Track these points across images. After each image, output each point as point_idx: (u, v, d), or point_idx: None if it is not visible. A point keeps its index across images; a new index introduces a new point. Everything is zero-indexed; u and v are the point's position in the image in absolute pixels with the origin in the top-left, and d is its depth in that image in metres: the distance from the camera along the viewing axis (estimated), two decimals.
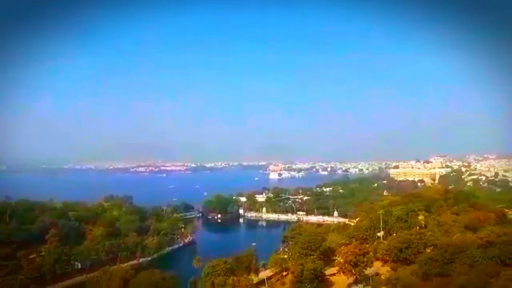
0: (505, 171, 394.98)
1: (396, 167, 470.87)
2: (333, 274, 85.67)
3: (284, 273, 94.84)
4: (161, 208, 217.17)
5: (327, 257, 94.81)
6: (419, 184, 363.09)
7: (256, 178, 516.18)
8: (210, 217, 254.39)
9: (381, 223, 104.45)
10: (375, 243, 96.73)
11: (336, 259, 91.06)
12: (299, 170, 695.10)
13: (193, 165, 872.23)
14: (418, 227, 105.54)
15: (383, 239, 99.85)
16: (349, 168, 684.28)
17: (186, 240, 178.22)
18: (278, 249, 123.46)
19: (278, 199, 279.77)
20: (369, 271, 77.35)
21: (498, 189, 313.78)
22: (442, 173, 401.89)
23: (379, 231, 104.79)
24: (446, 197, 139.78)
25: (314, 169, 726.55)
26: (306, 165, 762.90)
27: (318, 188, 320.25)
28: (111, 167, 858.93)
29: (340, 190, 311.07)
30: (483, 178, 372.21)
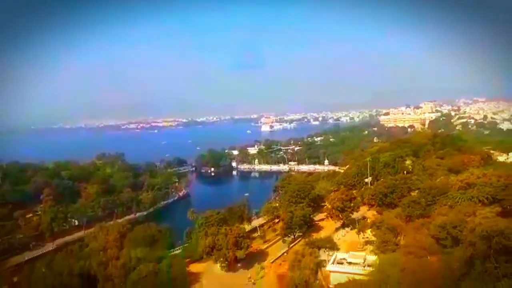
0: (494, 113, 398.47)
1: (387, 113, 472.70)
2: (322, 220, 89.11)
3: (276, 221, 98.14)
4: (154, 164, 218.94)
5: (316, 204, 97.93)
6: (409, 129, 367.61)
7: (248, 131, 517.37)
8: (204, 171, 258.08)
9: (369, 170, 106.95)
10: (362, 189, 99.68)
11: (325, 205, 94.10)
12: (291, 122, 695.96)
13: (184, 120, 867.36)
14: (405, 172, 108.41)
15: (371, 184, 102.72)
16: (340, 117, 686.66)
17: (181, 194, 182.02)
18: (270, 198, 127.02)
19: (270, 150, 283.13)
20: (356, 215, 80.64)
21: (486, 132, 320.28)
22: (431, 118, 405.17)
23: (367, 177, 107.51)
24: (433, 142, 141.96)
25: (305, 120, 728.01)
26: (297, 116, 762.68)
27: (309, 138, 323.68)
28: (102, 125, 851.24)
29: (331, 139, 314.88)
30: (472, 121, 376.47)
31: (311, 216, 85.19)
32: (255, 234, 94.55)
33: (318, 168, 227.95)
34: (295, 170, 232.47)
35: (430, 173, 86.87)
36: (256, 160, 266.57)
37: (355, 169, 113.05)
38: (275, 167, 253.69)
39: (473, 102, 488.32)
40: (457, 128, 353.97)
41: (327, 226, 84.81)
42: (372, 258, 54.66)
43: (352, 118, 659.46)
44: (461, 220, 48.14)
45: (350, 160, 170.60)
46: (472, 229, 39.79)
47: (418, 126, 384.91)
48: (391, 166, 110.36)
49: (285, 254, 72.91)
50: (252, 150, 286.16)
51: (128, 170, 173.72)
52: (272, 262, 71.26)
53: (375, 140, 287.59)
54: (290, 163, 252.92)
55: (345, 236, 74.77)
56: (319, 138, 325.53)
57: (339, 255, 58.63)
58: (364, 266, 52.78)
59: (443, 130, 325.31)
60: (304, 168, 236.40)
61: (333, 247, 66.43)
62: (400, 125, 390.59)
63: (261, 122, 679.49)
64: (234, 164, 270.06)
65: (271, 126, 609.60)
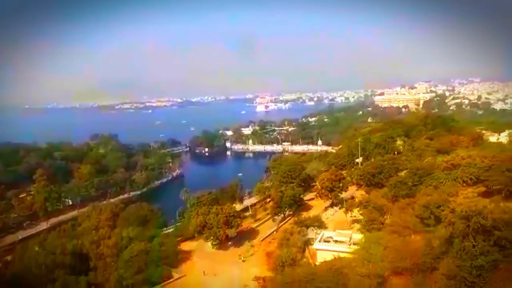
0: (488, 93, 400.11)
1: (381, 94, 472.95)
2: (312, 199, 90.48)
3: (267, 200, 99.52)
4: (148, 144, 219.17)
5: (307, 183, 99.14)
6: (403, 110, 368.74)
7: (243, 112, 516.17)
8: (198, 151, 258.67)
9: (359, 150, 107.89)
10: (352, 169, 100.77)
11: (316, 185, 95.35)
12: (286, 102, 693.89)
13: (178, 100, 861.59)
14: (396, 153, 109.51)
15: (361, 165, 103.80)
16: (335, 97, 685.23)
17: (174, 174, 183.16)
18: (262, 178, 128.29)
19: (264, 131, 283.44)
20: (345, 195, 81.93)
21: (480, 112, 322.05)
22: (426, 98, 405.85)
23: (358, 158, 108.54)
24: (425, 123, 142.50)
25: (301, 100, 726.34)
26: (292, 96, 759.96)
27: (303, 119, 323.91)
28: (96, 105, 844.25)
29: (325, 120, 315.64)
30: (466, 101, 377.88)
31: (301, 195, 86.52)
32: (247, 213, 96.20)
33: (312, 148, 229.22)
34: (289, 150, 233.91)
35: (419, 153, 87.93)
36: (250, 141, 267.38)
37: (345, 150, 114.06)
38: (269, 148, 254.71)
39: (468, 83, 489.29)
40: (451, 108, 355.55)
41: (317, 206, 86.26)
42: (358, 236, 55.93)
43: (347, 99, 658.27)
44: (444, 200, 49.21)
45: (343, 140, 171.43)
46: (452, 209, 40.77)
47: (412, 106, 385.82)
48: (382, 147, 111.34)
49: (275, 232, 74.33)
50: (246, 131, 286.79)
51: (122, 151, 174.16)
52: (262, 240, 72.71)
53: (369, 120, 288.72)
54: (284, 143, 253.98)
55: (333, 215, 76.17)
56: (313, 119, 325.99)
57: (326, 233, 59.94)
58: (349, 244, 54.09)
59: (437, 110, 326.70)
60: (298, 148, 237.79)
61: (321, 225, 67.90)
62: (395, 105, 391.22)
63: (256, 103, 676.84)
64: (228, 144, 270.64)
65: (266, 107, 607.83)
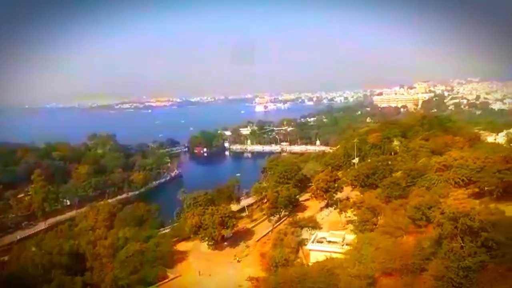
0: (487, 93, 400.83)
1: (380, 94, 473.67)
2: (307, 200, 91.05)
3: (264, 201, 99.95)
4: (146, 144, 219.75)
5: (303, 184, 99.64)
6: (402, 110, 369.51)
7: (242, 112, 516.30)
8: (196, 152, 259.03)
9: (355, 151, 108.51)
10: (348, 170, 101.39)
11: (312, 186, 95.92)
12: (285, 102, 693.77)
13: (178, 100, 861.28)
14: (393, 153, 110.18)
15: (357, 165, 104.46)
16: (334, 97, 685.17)
17: (173, 174, 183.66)
18: (260, 178, 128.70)
19: (263, 131, 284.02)
20: (340, 196, 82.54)
21: (478, 112, 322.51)
22: (425, 98, 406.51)
23: (354, 158, 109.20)
24: (422, 123, 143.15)
25: (300, 100, 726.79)
26: (292, 96, 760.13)
27: (302, 119, 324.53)
28: (95, 105, 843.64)
29: (324, 120, 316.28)
30: (465, 101, 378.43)
31: (297, 196, 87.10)
32: (243, 214, 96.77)
33: (310, 148, 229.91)
34: (287, 150, 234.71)
35: (413, 154, 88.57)
36: (249, 141, 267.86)
37: (341, 150, 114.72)
38: (267, 148, 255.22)
39: (467, 83, 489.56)
40: (449, 108, 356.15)
41: (313, 206, 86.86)
42: (351, 237, 56.52)
43: (346, 98, 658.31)
44: (435, 201, 49.80)
45: (341, 140, 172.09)
46: (441, 210, 41.33)
47: (411, 106, 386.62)
48: (378, 147, 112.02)
49: (270, 233, 74.82)
50: (245, 131, 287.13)
51: (120, 151, 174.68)
52: (257, 241, 73.26)
53: (368, 120, 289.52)
54: (282, 143, 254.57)
55: (328, 216, 76.84)
56: (312, 119, 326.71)
57: (320, 234, 60.51)
58: (342, 245, 54.65)
59: (435, 110, 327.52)
60: (296, 148, 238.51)
61: (316, 226, 68.45)
62: (393, 105, 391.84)
63: (255, 103, 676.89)
64: (226, 144, 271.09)
65: (265, 107, 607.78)
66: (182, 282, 60.05)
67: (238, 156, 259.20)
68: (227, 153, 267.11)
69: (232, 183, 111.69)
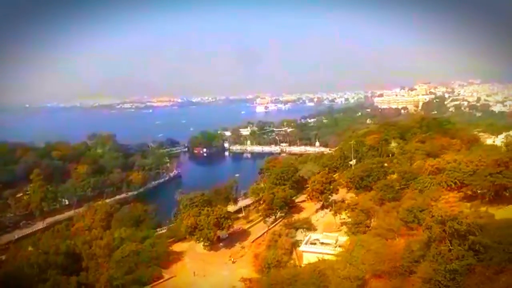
0: (488, 95, 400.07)
1: (381, 95, 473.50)
2: (304, 201, 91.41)
3: (262, 202, 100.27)
4: (146, 144, 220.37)
5: (300, 185, 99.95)
6: (402, 111, 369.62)
7: (242, 112, 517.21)
8: (196, 152, 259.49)
9: (352, 153, 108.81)
10: (344, 171, 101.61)
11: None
12: (286, 103, 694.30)
13: (179, 100, 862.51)
14: (391, 155, 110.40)
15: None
16: (335, 99, 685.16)
17: (172, 174, 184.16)
18: (257, 179, 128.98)
19: (263, 132, 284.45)
20: (336, 197, 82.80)
21: (479, 114, 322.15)
22: (425, 100, 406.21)
23: (351, 160, 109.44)
24: (421, 125, 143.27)
25: (300, 101, 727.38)
26: (293, 97, 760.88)
27: (302, 120, 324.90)
28: (96, 104, 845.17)
29: (324, 121, 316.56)
30: (465, 103, 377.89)
31: (293, 197, 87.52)
32: (240, 215, 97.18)
33: (309, 149, 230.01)
34: (286, 151, 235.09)
35: (409, 156, 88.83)
36: (248, 141, 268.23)
37: (338, 152, 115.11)
38: (267, 148, 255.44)
39: (468, 84, 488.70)
40: (450, 110, 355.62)
41: (309, 208, 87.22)
42: (344, 239, 56.88)
43: (347, 100, 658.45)
44: (427, 204, 50.17)
45: (340, 141, 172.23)
46: (430, 213, 41.71)
47: (411, 108, 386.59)
48: (376, 149, 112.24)
49: (265, 234, 75.17)
50: (245, 131, 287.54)
51: (119, 151, 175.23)
52: (252, 242, 73.61)
53: (368, 121, 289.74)
54: (281, 144, 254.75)
55: (323, 217, 77.18)
56: (312, 120, 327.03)
57: (313, 235, 60.87)
58: (335, 247, 54.97)
59: (435, 112, 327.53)
60: (296, 149, 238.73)
61: (310, 228, 68.81)
62: (394, 106, 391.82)
63: (256, 103, 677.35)
64: (226, 145, 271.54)
65: (266, 107, 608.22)
66: (177, 283, 60.49)
67: (237, 156, 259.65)
68: (226, 153, 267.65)
69: (229, 184, 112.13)
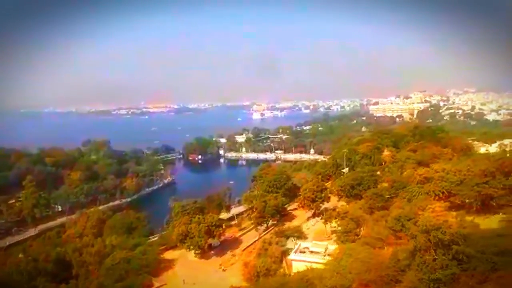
0: (482, 104, 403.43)
1: (376, 103, 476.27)
2: (296, 209, 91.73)
3: (254, 209, 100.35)
4: (141, 150, 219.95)
5: (293, 193, 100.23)
6: (397, 119, 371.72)
7: (239, 119, 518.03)
8: (191, 158, 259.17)
9: (345, 161, 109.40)
10: (337, 180, 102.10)
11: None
12: (282, 110, 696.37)
13: (175, 106, 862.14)
14: (383, 163, 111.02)
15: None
16: (331, 106, 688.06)
17: (166, 181, 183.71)
18: (250, 187, 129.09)
19: (258, 139, 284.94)
20: (328, 205, 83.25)
21: (473, 122, 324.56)
22: (420, 108, 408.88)
23: (344, 168, 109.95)
24: (414, 133, 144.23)
25: (297, 108, 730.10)
26: (289, 104, 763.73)
27: (298, 127, 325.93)
28: (93, 110, 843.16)
29: (320, 128, 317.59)
30: (460, 112, 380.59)
31: (285, 205, 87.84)
32: (233, 222, 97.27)
33: (304, 157, 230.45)
34: (282, 158, 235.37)
35: (400, 165, 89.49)
36: (244, 148, 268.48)
37: (331, 160, 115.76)
38: (262, 156, 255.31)
39: (463, 93, 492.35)
40: (445, 118, 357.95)
41: (301, 215, 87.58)
42: (334, 247, 57.15)
43: (342, 107, 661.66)
44: (415, 213, 50.66)
45: (334, 149, 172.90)
46: (415, 222, 42.19)
47: (407, 116, 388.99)
48: (368, 157, 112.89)
49: (257, 242, 75.35)
50: (240, 138, 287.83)
51: (114, 157, 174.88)
52: (244, 250, 73.75)
53: (363, 129, 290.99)
54: (276, 151, 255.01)
55: (314, 226, 77.45)
56: (307, 127, 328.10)
57: (303, 244, 61.07)
58: (324, 255, 55.22)
59: (430, 120, 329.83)
60: (291, 156, 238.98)
61: (301, 236, 69.12)
62: (389, 114, 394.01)
63: (252, 110, 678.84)
64: (221, 152, 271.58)
65: (262, 114, 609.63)
66: None
67: (232, 163, 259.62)
68: (221, 160, 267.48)
69: (222, 191, 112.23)
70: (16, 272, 60.72)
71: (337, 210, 70.88)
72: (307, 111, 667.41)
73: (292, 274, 54.00)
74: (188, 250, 72.76)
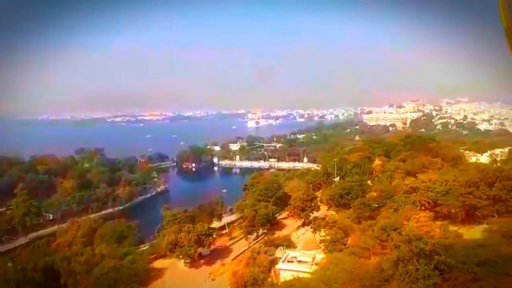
0: (474, 114, 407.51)
1: (370, 112, 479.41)
2: (285, 218, 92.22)
3: (245, 218, 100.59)
4: (135, 158, 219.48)
5: (284, 202, 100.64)
6: (390, 128, 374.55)
7: (233, 127, 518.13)
8: (185, 166, 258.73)
9: (336, 170, 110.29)
10: (327, 189, 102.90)
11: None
12: (277, 118, 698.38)
13: (170, 114, 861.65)
14: (374, 172, 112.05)
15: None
16: (325, 115, 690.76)
17: (159, 189, 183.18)
18: (242, 196, 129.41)
19: (252, 147, 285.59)
20: (318, 214, 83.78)
21: (465, 132, 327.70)
22: (413, 117, 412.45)
23: (335, 177, 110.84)
24: (405, 143, 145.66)
25: (291, 117, 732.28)
26: (283, 113, 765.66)
27: (292, 135, 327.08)
28: (87, 118, 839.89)
29: (314, 136, 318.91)
30: (452, 121, 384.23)
31: (276, 214, 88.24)
32: (224, 231, 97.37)
33: (298, 165, 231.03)
34: (275, 167, 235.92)
35: (389, 175, 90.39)
36: (238, 157, 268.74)
37: (322, 169, 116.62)
38: (255, 164, 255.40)
39: (455, 102, 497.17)
40: (437, 127, 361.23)
41: (291, 225, 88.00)
42: (321, 256, 57.65)
43: (336, 116, 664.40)
44: (400, 223, 51.44)
45: (326, 158, 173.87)
46: (398, 232, 42.92)
47: (399, 125, 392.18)
48: (359, 166, 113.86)
49: (246, 251, 75.58)
50: (234, 146, 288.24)
51: (106, 165, 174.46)
52: (233, 259, 73.96)
53: (356, 138, 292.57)
54: (270, 160, 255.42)
55: (304, 235, 77.90)
56: (301, 135, 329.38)
57: (291, 253, 61.53)
58: (311, 265, 55.70)
59: (423, 130, 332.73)
60: (284, 165, 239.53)
61: (290, 245, 69.51)
62: (382, 123, 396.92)
63: (248, 118, 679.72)
64: (215, 160, 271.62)
65: (257, 122, 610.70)
66: None
67: (226, 171, 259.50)
68: (215, 168, 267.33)
69: (215, 200, 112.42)
70: (3, 281, 60.41)
71: (326, 219, 71.51)
72: (302, 119, 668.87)
73: (279, 283, 54.34)
74: (178, 259, 72.83)
